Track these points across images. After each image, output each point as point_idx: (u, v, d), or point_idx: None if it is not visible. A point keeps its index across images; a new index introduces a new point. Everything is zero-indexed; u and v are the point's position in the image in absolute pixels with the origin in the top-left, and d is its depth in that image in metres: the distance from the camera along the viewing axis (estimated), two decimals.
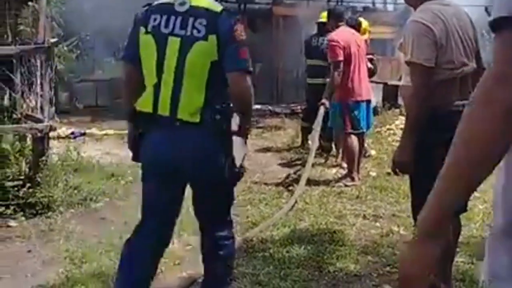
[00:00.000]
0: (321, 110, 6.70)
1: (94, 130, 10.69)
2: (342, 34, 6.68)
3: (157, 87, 3.03)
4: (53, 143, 6.80)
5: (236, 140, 3.13)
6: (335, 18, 7.02)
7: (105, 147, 9.11)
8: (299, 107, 11.95)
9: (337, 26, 6.87)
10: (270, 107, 13.26)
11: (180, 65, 2.97)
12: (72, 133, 10.03)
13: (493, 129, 1.17)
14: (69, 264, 4.26)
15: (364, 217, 5.38)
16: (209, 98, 2.98)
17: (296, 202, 5.74)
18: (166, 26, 3.00)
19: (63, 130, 9.79)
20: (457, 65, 3.35)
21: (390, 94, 12.57)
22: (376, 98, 11.94)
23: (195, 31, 2.96)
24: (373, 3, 17.15)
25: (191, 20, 2.97)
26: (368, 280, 4.07)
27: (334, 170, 7.37)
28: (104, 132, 10.59)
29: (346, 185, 6.52)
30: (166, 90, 3.00)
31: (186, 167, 3.06)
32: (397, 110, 11.70)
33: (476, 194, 4.65)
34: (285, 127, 10.92)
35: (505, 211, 1.23)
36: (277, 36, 14.77)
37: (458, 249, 3.93)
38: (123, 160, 8.02)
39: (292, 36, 13.63)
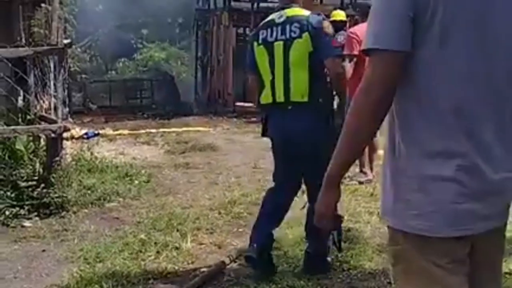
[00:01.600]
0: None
1: (107, 130, 10.74)
2: (361, 29, 6.61)
3: (272, 83, 3.90)
4: (66, 143, 6.82)
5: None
6: (363, 13, 6.92)
7: (119, 147, 9.14)
8: None
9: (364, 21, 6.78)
10: None
11: (286, 60, 3.85)
12: (86, 133, 10.10)
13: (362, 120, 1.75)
14: (83, 264, 4.27)
15: (379, 214, 5.33)
16: (313, 82, 3.81)
17: None
18: (271, 36, 3.91)
19: (77, 131, 9.85)
20: None
21: None
22: None
23: (292, 33, 3.84)
24: None
25: (288, 26, 3.86)
26: (383, 277, 4.03)
27: None
28: (118, 132, 10.64)
29: (360, 182, 6.47)
30: (279, 82, 3.87)
31: (297, 140, 3.83)
32: None
33: None
34: None
35: (392, 168, 1.78)
36: None
37: None
38: (137, 159, 8.09)
39: None
